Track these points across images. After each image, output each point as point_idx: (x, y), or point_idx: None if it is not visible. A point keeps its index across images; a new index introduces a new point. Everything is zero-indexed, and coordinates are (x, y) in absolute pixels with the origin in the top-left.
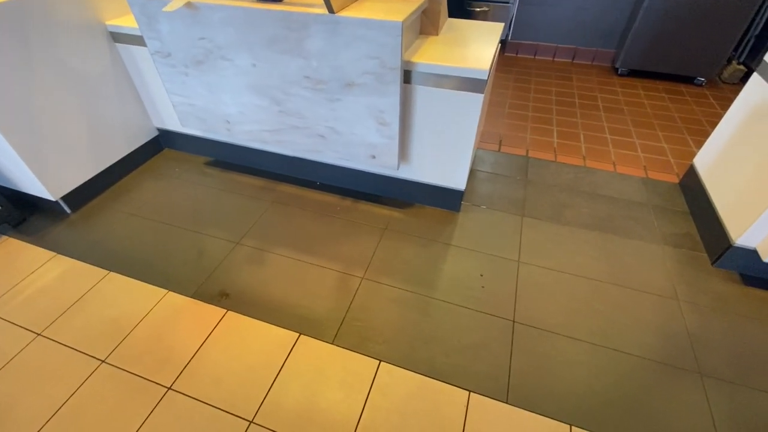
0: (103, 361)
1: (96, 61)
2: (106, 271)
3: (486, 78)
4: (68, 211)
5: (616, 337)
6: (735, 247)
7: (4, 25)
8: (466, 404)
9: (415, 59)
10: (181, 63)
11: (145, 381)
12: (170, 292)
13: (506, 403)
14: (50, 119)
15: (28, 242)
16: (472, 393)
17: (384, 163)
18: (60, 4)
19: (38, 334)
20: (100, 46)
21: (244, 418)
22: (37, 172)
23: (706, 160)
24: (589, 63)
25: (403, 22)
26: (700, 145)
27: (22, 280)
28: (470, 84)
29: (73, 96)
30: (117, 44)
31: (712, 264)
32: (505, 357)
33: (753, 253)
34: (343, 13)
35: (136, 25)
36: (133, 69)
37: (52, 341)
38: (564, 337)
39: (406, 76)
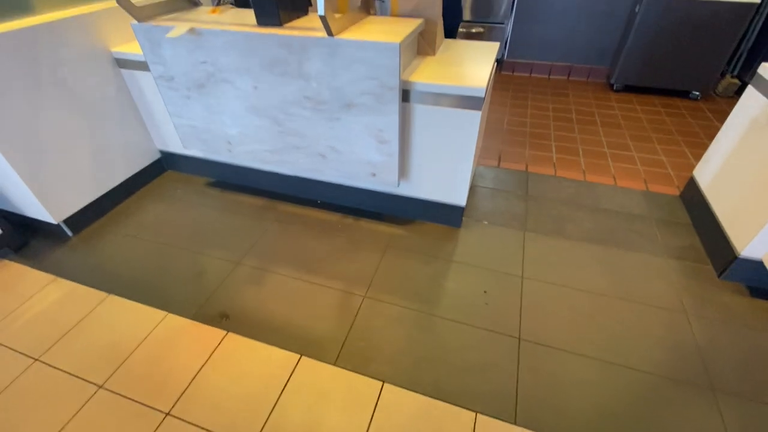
0: (100, 387)
1: (101, 87)
2: (106, 294)
3: (483, 95)
4: (69, 233)
5: (625, 352)
6: (740, 258)
7: (15, 51)
8: (473, 426)
9: (413, 79)
10: (184, 86)
11: (143, 407)
12: (170, 314)
13: (515, 424)
14: (55, 143)
15: (29, 266)
16: (479, 414)
17: (384, 181)
18: (68, 33)
19: (36, 360)
20: (105, 72)
21: None
22: (40, 196)
23: (705, 172)
24: (585, 80)
25: (400, 44)
26: (698, 157)
27: (22, 304)
28: (468, 102)
29: (78, 120)
30: (122, 70)
31: (719, 276)
32: (511, 376)
33: (759, 265)
34: (342, 36)
35: (140, 52)
36: (137, 93)
37: (49, 367)
38: (571, 354)
39: (405, 95)
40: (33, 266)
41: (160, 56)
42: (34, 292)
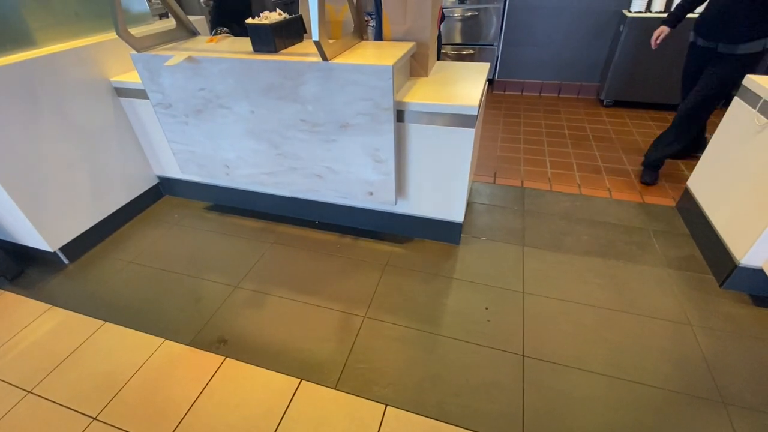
0: (94, 419)
1: (100, 115)
2: (102, 322)
3: (476, 113)
4: (66, 261)
5: (631, 367)
6: (740, 267)
7: (14, 83)
8: None
9: (406, 99)
10: (182, 113)
11: None
12: (167, 341)
13: None
14: (53, 172)
15: (24, 295)
16: None
17: (382, 199)
18: (69, 64)
19: (29, 392)
20: (104, 101)
21: None
22: (37, 225)
23: (699, 182)
24: (575, 96)
25: (393, 66)
26: (691, 168)
27: (16, 334)
28: (461, 120)
29: (77, 149)
30: (120, 98)
31: (720, 286)
32: (517, 395)
33: (760, 273)
34: (336, 60)
35: (139, 80)
36: (135, 120)
37: (42, 399)
38: (576, 369)
39: (399, 116)
40: (28, 295)
41: (158, 84)
42: (28, 321)
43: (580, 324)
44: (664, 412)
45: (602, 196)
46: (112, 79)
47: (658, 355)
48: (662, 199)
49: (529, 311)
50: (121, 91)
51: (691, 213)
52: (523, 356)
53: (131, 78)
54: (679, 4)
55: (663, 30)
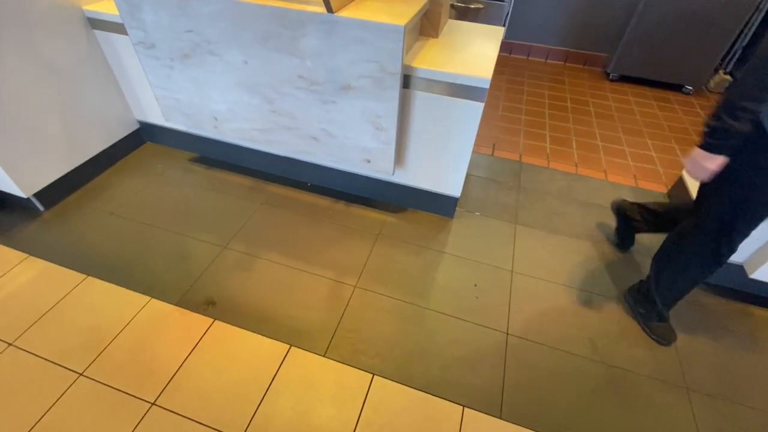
0: (80, 374)
1: (72, 49)
2: (84, 276)
3: (487, 87)
4: (41, 209)
5: (607, 350)
6: None
7: None
8: (460, 420)
9: (415, 64)
10: (166, 56)
11: (127, 396)
12: (153, 299)
13: (500, 418)
14: (21, 111)
15: None
16: (465, 408)
17: (379, 168)
18: None
19: (10, 344)
20: (76, 33)
21: None
22: (7, 167)
23: None
24: (581, 66)
25: (405, 26)
26: (687, 154)
27: None
28: (471, 92)
29: (47, 86)
30: (95, 31)
31: None
32: (498, 370)
33: (739, 269)
34: (342, 13)
35: (116, 12)
36: (113, 58)
37: (25, 352)
38: (556, 350)
39: (406, 81)
40: (2, 243)
41: (139, 20)
42: (4, 271)
43: (563, 306)
44: (632, 394)
45: (597, 177)
46: (85, 8)
47: (633, 340)
48: (655, 185)
49: (517, 290)
50: (96, 23)
51: (681, 201)
52: (507, 334)
53: (108, 8)
54: (738, 116)
55: (720, 162)
